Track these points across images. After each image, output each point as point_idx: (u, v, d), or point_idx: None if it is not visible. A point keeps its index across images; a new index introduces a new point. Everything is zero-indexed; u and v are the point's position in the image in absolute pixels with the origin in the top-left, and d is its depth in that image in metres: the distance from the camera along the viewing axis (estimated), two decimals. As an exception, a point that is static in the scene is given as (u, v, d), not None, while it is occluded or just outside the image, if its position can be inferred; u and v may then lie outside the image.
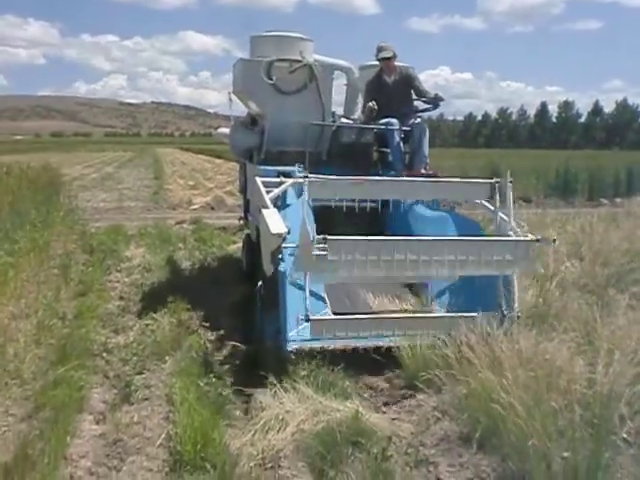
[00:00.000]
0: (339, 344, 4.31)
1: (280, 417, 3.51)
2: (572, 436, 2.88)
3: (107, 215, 13.26)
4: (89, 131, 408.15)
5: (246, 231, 7.88)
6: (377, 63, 6.98)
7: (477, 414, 3.33)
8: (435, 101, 6.82)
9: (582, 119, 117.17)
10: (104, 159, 41.94)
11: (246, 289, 5.99)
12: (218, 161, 37.24)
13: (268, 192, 4.84)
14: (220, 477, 3.03)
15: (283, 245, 4.15)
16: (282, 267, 4.40)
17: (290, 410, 3.56)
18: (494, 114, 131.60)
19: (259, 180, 5.08)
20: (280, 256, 4.27)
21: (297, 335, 4.29)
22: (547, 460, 2.85)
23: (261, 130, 6.68)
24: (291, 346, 4.20)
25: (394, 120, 6.61)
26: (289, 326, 4.31)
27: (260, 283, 4.82)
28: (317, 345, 4.24)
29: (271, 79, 6.29)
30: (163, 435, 3.53)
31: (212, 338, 5.10)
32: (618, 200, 16.91)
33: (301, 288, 4.48)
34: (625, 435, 2.96)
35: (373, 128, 6.71)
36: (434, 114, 7.21)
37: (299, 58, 6.41)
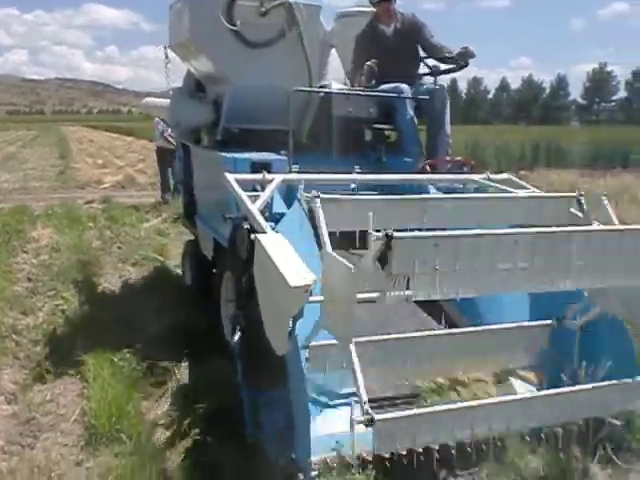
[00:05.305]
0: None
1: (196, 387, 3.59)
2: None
3: (11, 196, 12.72)
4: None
5: (190, 238, 6.08)
6: (360, 10, 5.38)
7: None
8: (464, 57, 4.86)
9: (490, 95, 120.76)
10: (6, 138, 40.06)
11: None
12: (128, 139, 36.31)
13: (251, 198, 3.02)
14: (136, 447, 3.06)
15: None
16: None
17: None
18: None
19: (232, 178, 3.20)
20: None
21: (325, 440, 2.47)
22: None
23: (214, 100, 4.92)
24: (317, 460, 2.42)
25: (404, 86, 4.71)
26: (312, 427, 2.51)
27: (238, 334, 2.95)
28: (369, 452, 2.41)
29: (234, 24, 4.42)
30: (77, 411, 3.54)
31: (126, 315, 5.04)
32: (522, 172, 17.73)
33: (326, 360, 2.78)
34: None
35: (379, 96, 4.73)
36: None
37: None
